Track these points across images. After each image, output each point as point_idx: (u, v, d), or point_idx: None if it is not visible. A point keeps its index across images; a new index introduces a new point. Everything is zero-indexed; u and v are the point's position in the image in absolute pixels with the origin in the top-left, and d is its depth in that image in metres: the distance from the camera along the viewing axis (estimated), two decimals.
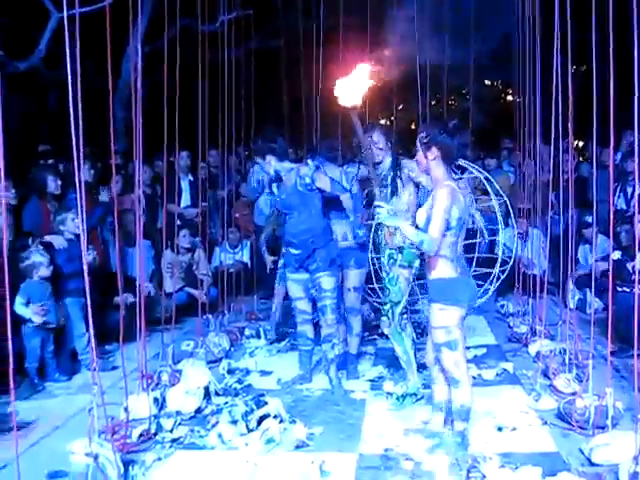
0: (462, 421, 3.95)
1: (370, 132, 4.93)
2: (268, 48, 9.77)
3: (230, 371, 5.48)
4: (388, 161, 4.90)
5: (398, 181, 4.79)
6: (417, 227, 3.83)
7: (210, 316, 6.56)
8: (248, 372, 5.59)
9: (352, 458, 3.92)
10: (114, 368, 5.52)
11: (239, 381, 5.33)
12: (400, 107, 13.23)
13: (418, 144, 3.86)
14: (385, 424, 4.42)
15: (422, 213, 3.86)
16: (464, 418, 3.95)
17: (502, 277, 6.43)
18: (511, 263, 6.51)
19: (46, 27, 7.89)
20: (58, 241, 5.74)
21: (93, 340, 3.89)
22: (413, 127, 15.20)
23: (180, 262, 7.34)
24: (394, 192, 4.80)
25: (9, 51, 7.78)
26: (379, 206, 3.81)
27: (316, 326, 5.41)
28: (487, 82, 15.23)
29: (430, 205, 3.76)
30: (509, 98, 15.89)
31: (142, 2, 4.89)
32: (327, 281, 4.97)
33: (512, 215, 7.23)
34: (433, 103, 11.91)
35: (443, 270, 3.80)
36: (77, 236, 5.72)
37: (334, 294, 5.00)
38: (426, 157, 3.82)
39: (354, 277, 5.27)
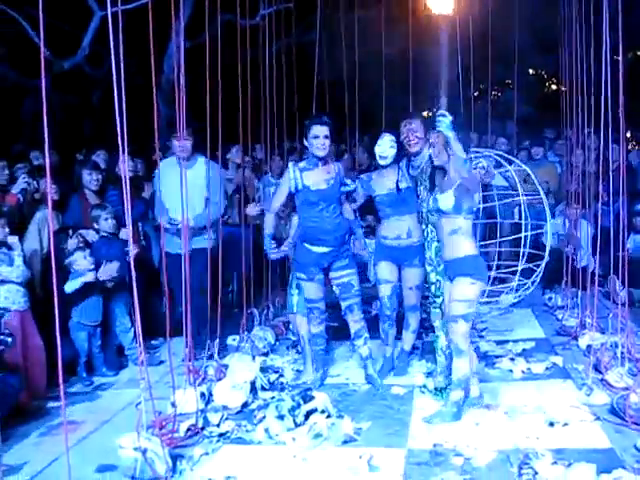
0: (461, 390, 4.32)
1: (410, 119, 4.84)
2: (309, 41, 9.70)
3: (263, 369, 5.22)
4: (427, 153, 4.82)
5: (439, 174, 4.70)
6: (438, 209, 4.31)
7: (255, 310, 6.55)
8: (282, 375, 5.35)
9: (400, 453, 3.87)
10: (160, 363, 5.56)
11: (281, 375, 5.29)
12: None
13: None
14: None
15: (449, 198, 4.21)
16: (464, 387, 4.34)
17: (537, 272, 6.28)
18: (546, 259, 6.31)
19: (89, 26, 7.98)
20: (91, 235, 5.75)
21: (140, 335, 3.89)
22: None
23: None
24: (433, 187, 4.70)
25: (54, 50, 7.88)
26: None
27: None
28: (531, 71, 14.95)
29: (455, 189, 4.18)
30: (553, 87, 15.60)
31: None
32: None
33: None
34: (476, 94, 11.76)
35: (470, 248, 4.28)
36: (113, 234, 5.77)
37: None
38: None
39: (416, 275, 5.08)
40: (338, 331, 5.92)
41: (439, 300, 4.79)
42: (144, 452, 3.65)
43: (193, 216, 5.43)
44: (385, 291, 5.15)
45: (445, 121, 4.05)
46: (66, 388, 4.65)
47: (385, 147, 4.92)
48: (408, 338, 5.33)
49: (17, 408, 4.48)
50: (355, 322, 5.04)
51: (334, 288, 5.06)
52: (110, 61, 3.54)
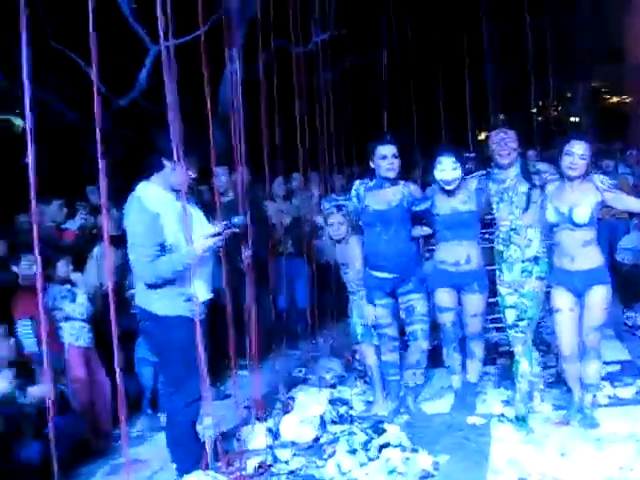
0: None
1: (505, 128, 4.52)
2: (365, 65, 9.63)
3: (331, 402, 5.01)
4: (516, 168, 4.48)
5: (535, 192, 4.39)
6: (573, 223, 4.15)
7: (321, 340, 6.37)
8: (351, 407, 5.09)
9: None
10: (226, 397, 5.40)
11: (351, 407, 5.05)
12: (501, 116, 12.84)
13: (585, 152, 4.12)
14: (515, 450, 4.05)
15: (586, 211, 4.13)
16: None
17: None
18: None
19: (145, 60, 8.04)
20: None
21: (204, 369, 3.75)
22: None
23: None
24: (527, 206, 4.40)
25: (112, 87, 7.96)
26: None
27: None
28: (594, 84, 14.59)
29: (594, 202, 4.15)
30: (614, 99, 15.19)
31: (237, 27, 4.85)
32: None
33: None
34: (534, 111, 11.49)
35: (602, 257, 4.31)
36: None
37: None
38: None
39: (478, 302, 4.75)
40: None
41: (523, 324, 4.49)
42: None
43: None
44: (447, 318, 4.81)
45: None
46: (131, 425, 4.53)
47: (448, 171, 4.56)
48: (474, 368, 4.90)
49: (82, 446, 4.38)
50: (416, 352, 4.77)
51: (400, 313, 4.84)
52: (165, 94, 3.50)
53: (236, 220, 3.82)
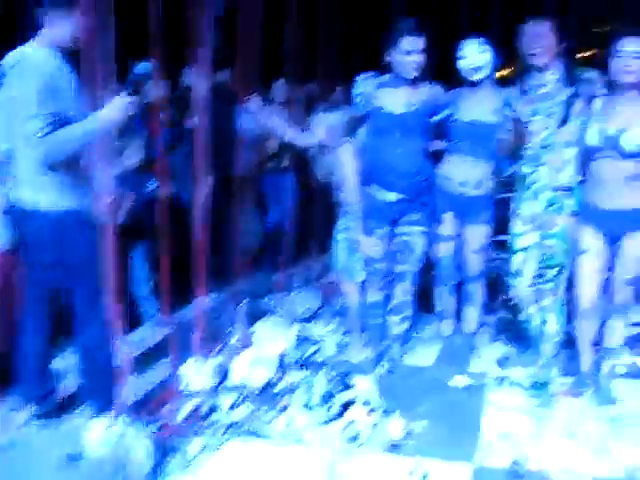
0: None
1: (539, 20, 3.58)
2: None
3: (300, 340, 4.29)
4: (555, 72, 3.58)
5: (578, 103, 3.49)
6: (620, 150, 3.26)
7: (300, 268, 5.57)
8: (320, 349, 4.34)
9: (466, 471, 2.87)
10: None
11: (320, 349, 4.25)
12: None
13: None
14: (513, 423, 3.29)
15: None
16: None
17: None
18: None
19: None
20: None
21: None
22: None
23: None
24: (566, 119, 3.52)
25: None
26: None
27: None
28: None
29: None
30: None
31: None
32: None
33: None
34: None
35: None
36: None
37: None
38: None
39: (483, 235, 4.05)
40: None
41: (551, 272, 3.69)
42: (120, 441, 2.75)
43: None
44: (446, 250, 4.10)
45: None
46: None
47: (473, 55, 3.76)
48: (471, 315, 4.21)
49: None
50: (403, 295, 4.02)
51: (392, 245, 4.00)
52: None
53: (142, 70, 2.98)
